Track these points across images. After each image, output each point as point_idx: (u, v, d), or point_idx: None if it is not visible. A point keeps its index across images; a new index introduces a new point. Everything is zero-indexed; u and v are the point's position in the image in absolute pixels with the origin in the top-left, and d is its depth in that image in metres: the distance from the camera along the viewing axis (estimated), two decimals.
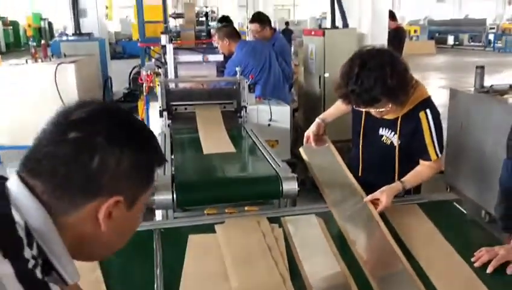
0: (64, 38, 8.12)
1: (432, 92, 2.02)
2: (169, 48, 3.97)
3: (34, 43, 6.78)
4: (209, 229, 1.70)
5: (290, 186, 1.91)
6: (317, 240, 1.67)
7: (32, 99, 5.34)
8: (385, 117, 1.94)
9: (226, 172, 2.08)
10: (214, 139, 2.44)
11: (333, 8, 5.42)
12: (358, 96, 1.75)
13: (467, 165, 4.03)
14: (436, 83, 11.79)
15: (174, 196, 1.80)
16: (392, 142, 1.98)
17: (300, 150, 2.27)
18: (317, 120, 2.22)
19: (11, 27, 25.93)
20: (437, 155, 1.92)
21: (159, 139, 2.64)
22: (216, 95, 3.17)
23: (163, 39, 4.31)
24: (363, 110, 1.92)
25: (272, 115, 3.32)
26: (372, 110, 1.87)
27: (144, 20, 5.80)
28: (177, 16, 7.50)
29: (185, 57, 4.10)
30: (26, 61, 5.75)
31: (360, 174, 2.10)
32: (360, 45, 4.35)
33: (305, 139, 2.20)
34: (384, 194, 1.76)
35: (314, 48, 5.21)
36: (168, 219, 1.88)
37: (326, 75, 4.85)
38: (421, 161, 1.96)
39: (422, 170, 1.95)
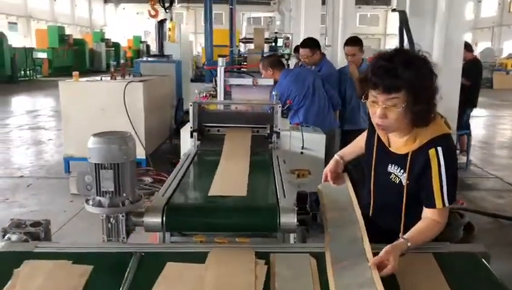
0: (145, 59, 8.62)
1: None
2: (220, 70, 4.00)
3: (115, 63, 7.25)
4: (193, 257, 1.60)
5: (289, 219, 1.72)
6: (303, 283, 1.50)
7: (102, 113, 5.67)
8: (395, 151, 1.73)
9: (225, 199, 1.95)
10: (228, 178, 2.23)
11: (401, 37, 5.17)
12: (382, 72, 1.56)
13: None
14: None
15: (164, 218, 1.72)
16: (400, 181, 1.73)
17: (319, 187, 2.05)
18: (336, 157, 2.04)
19: (113, 48, 28.31)
20: (443, 203, 1.62)
21: (183, 160, 2.59)
22: (250, 118, 3.09)
23: (220, 61, 4.36)
24: (371, 101, 1.65)
25: (304, 142, 3.16)
26: (379, 106, 1.61)
27: (212, 44, 5.94)
28: (247, 40, 7.61)
29: (235, 80, 4.11)
30: (101, 79, 6.14)
31: (370, 213, 1.88)
32: None
33: (323, 177, 2.02)
34: (391, 257, 1.45)
35: None
36: (156, 243, 1.81)
37: None
38: (424, 210, 1.67)
39: (427, 226, 1.63)
